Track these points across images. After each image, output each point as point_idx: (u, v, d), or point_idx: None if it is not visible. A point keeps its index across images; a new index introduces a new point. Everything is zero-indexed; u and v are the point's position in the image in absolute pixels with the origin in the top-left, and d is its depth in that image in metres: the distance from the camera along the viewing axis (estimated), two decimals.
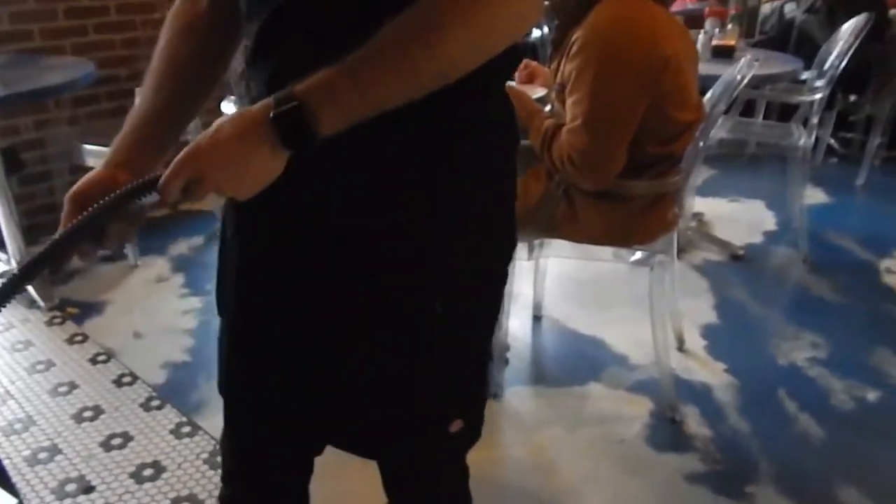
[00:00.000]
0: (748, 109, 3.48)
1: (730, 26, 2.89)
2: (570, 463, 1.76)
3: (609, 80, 1.58)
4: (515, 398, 1.99)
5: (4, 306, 0.67)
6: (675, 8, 4.28)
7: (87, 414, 1.88)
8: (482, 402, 0.95)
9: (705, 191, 3.53)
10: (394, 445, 0.91)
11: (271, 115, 0.64)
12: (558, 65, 1.69)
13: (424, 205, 0.77)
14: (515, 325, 2.34)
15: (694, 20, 3.64)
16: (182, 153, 0.67)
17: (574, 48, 1.59)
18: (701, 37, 2.80)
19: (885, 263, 2.83)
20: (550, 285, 2.52)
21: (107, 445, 1.77)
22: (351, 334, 0.83)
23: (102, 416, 1.87)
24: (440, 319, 0.81)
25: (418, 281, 0.79)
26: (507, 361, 2.11)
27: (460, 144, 0.78)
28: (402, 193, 0.77)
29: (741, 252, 2.88)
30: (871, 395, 2.01)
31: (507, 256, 0.89)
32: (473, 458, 1.72)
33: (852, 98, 3.86)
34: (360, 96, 0.65)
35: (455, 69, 0.67)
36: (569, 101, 1.63)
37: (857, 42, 2.76)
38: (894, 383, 2.06)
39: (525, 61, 2.10)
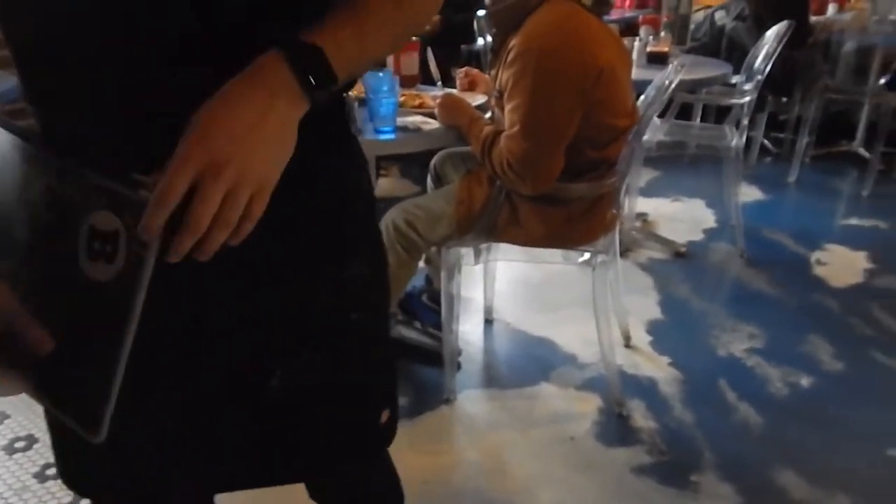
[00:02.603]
0: (687, 113, 3.61)
1: (663, 34, 3.01)
2: (522, 463, 1.79)
3: (545, 88, 1.63)
4: (468, 402, 2.02)
5: None
6: (613, 16, 4.42)
7: None
8: (396, 387, 0.99)
9: (649, 192, 3.65)
10: (333, 454, 0.89)
11: (289, 62, 0.59)
12: (497, 72, 1.74)
13: (322, 225, 0.78)
14: (467, 329, 2.38)
15: (631, 28, 3.77)
16: (187, 135, 0.55)
17: (511, 56, 1.64)
18: (636, 44, 2.90)
19: (815, 256, 2.97)
20: (501, 289, 2.57)
21: None
22: (274, 361, 0.79)
23: None
24: (357, 325, 0.83)
25: (333, 297, 0.80)
26: (459, 366, 2.14)
27: (332, 164, 0.78)
28: (298, 218, 0.74)
29: (683, 249, 2.98)
30: (805, 382, 2.11)
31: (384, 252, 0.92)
32: (427, 463, 1.77)
33: (783, 100, 4.04)
34: (359, 48, 0.65)
35: (424, 22, 0.76)
36: (507, 108, 1.68)
37: (781, 47, 2.89)
38: (825, 369, 2.17)
39: (465, 69, 2.15)
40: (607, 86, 1.67)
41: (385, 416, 0.91)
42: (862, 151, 4.02)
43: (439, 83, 2.29)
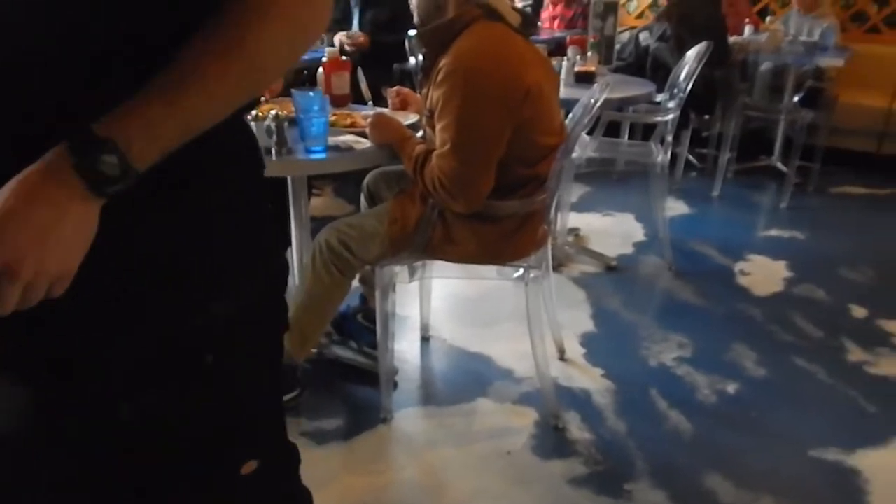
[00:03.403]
0: (615, 130, 3.72)
1: (590, 54, 3.09)
2: (460, 480, 1.80)
3: (474, 107, 1.65)
4: (405, 421, 2.01)
5: None
6: (542, 36, 4.52)
7: None
8: (279, 438, 0.92)
9: (580, 207, 3.74)
10: (184, 496, 0.83)
11: (78, 164, 0.57)
12: (427, 91, 1.75)
13: (172, 260, 0.72)
14: (403, 347, 2.37)
15: (560, 48, 3.87)
16: None
17: (440, 76, 1.66)
18: (565, 63, 2.98)
19: (739, 266, 3.09)
20: (437, 306, 2.57)
21: None
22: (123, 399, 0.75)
23: None
24: (212, 369, 0.76)
25: (190, 334, 0.74)
26: (395, 385, 2.13)
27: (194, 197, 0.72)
28: (143, 253, 0.70)
29: (614, 263, 3.06)
30: (731, 388, 2.18)
31: (278, 292, 0.85)
32: (365, 484, 1.75)
33: (705, 117, 4.21)
34: (173, 118, 0.61)
35: (266, 80, 0.68)
36: (437, 127, 1.70)
37: (701, 66, 3.02)
38: (749, 375, 2.26)
39: (397, 88, 2.17)
40: (535, 104, 1.71)
41: (249, 467, 0.83)
42: (780, 165, 4.22)
43: (370, 102, 2.30)
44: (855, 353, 2.39)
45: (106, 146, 0.58)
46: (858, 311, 2.68)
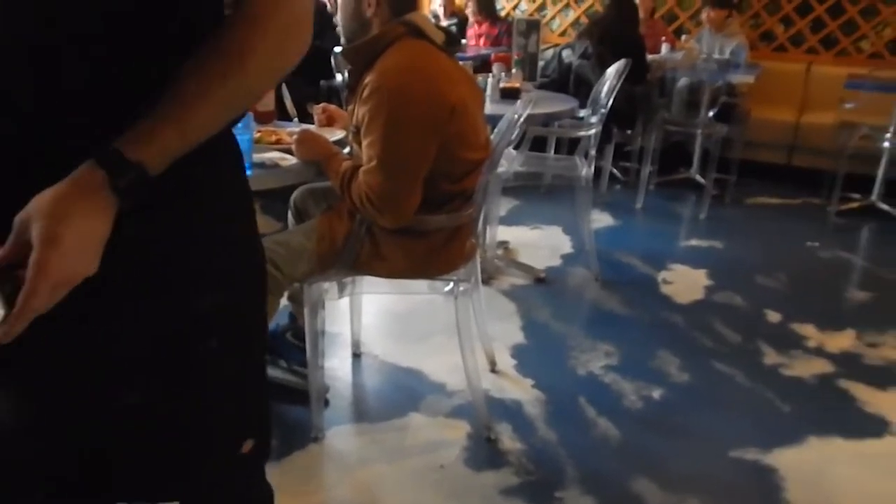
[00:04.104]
0: (542, 145, 3.80)
1: (514, 70, 3.17)
2: (393, 496, 1.78)
3: (399, 124, 1.66)
4: (337, 439, 1.99)
5: None
6: (469, 53, 4.60)
7: None
8: (268, 418, 1.00)
9: (509, 220, 3.80)
10: (191, 479, 0.91)
11: (115, 185, 0.66)
12: (353, 108, 1.76)
13: (178, 255, 0.80)
14: (335, 364, 2.35)
15: (485, 65, 3.94)
16: (42, 242, 0.63)
17: (366, 92, 1.67)
18: (490, 80, 3.03)
19: (662, 275, 3.20)
20: (368, 322, 2.56)
21: None
22: (132, 382, 0.82)
23: None
24: (217, 353, 0.84)
25: (188, 325, 0.81)
26: (327, 403, 2.10)
27: (194, 193, 0.80)
28: (152, 246, 0.78)
29: (543, 275, 3.12)
30: (656, 394, 2.25)
31: (262, 282, 0.93)
32: None
33: (627, 132, 4.36)
34: (182, 139, 0.69)
35: (258, 98, 0.77)
36: (363, 143, 1.70)
37: (621, 82, 3.13)
38: (673, 381, 2.33)
39: (323, 105, 2.16)
40: (460, 121, 1.73)
41: (248, 445, 0.91)
42: (698, 178, 4.40)
43: (295, 119, 2.28)
44: (770, 356, 2.51)
45: (136, 169, 0.67)
46: (773, 316, 2.82)
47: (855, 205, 4.07)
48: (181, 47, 0.71)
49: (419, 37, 1.73)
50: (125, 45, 0.70)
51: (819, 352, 2.55)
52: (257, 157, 1.79)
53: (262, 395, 0.97)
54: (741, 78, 4.19)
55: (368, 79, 1.67)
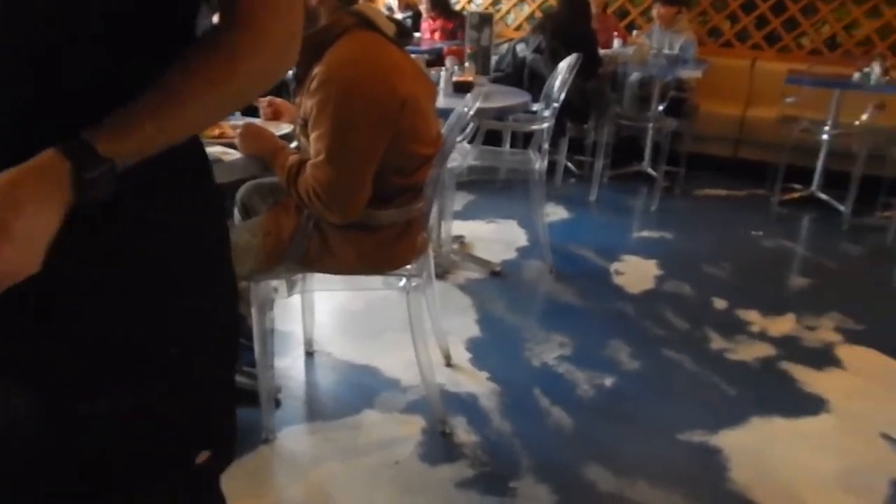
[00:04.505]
0: (498, 139, 3.82)
1: (467, 64, 3.17)
2: (348, 495, 1.77)
3: (348, 118, 1.64)
4: (289, 439, 1.96)
5: None
6: (423, 46, 4.59)
7: None
8: (230, 427, 0.96)
9: (465, 215, 3.81)
10: (141, 490, 0.87)
11: (79, 179, 0.62)
12: (301, 100, 1.73)
13: (141, 256, 0.76)
14: (287, 364, 2.32)
15: (440, 58, 3.93)
16: None
17: (314, 84, 1.63)
18: (443, 73, 3.03)
19: (614, 266, 3.25)
20: (322, 319, 2.54)
21: None
22: (84, 389, 0.78)
23: None
24: (176, 362, 0.81)
25: (151, 331, 0.79)
26: (278, 403, 2.07)
27: (155, 198, 0.77)
28: (113, 245, 0.75)
29: (498, 268, 3.13)
30: (608, 382, 2.29)
31: (232, 290, 0.89)
32: None
33: (582, 126, 4.41)
34: (159, 139, 0.67)
35: (243, 105, 0.75)
36: (312, 136, 1.67)
37: (573, 77, 3.16)
38: (624, 369, 2.37)
39: (269, 98, 2.12)
40: (411, 115, 1.72)
41: (203, 456, 0.88)
42: (650, 171, 4.48)
43: (238, 112, 2.24)
44: (717, 342, 2.57)
45: (106, 164, 0.63)
46: (719, 304, 2.89)
47: (796, 195, 4.19)
48: (181, 48, 0.69)
49: (370, 28, 1.71)
50: (125, 46, 0.68)
51: (762, 336, 2.62)
52: None
53: (226, 404, 0.93)
54: (690, 73, 4.28)
55: (317, 70, 1.64)
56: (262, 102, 2.09)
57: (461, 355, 2.42)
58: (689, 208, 4.23)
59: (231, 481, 1.78)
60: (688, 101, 4.49)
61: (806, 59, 4.86)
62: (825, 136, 4.02)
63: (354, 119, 1.65)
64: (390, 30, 1.76)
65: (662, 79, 4.25)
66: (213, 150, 1.77)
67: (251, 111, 2.15)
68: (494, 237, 3.56)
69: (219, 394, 0.92)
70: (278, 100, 2.12)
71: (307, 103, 1.67)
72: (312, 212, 1.73)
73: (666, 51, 4.52)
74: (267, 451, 1.91)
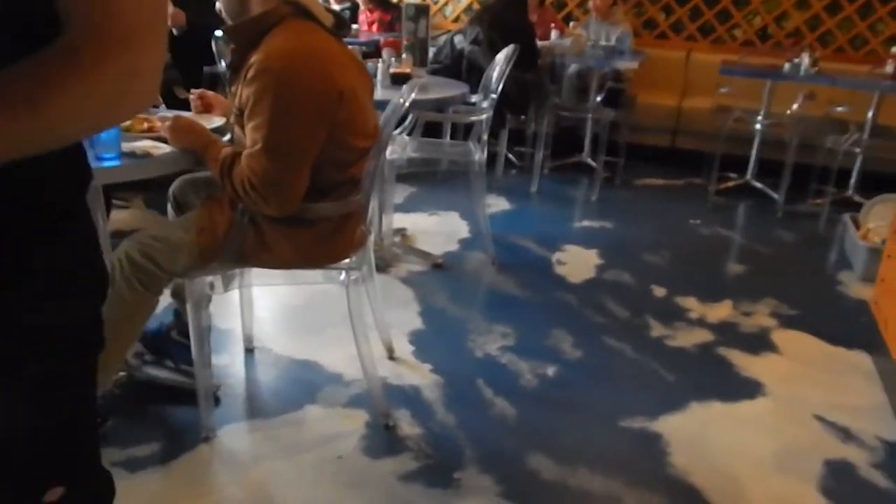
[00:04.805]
0: (438, 131, 3.81)
1: (404, 56, 3.14)
2: (290, 492, 1.74)
3: (286, 107, 1.60)
4: (228, 437, 1.92)
5: None
6: (361, 38, 4.53)
7: None
8: (92, 462, 0.87)
9: (407, 207, 3.79)
10: None
11: None
12: (237, 89, 1.68)
13: None
14: (226, 361, 2.27)
15: (377, 50, 3.89)
16: None
17: (251, 73, 1.59)
18: (380, 65, 3.00)
19: (556, 256, 3.29)
20: (262, 315, 2.49)
21: None
22: None
23: None
24: (33, 383, 0.73)
25: (7, 345, 0.70)
26: (217, 400, 2.02)
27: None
28: None
29: (440, 261, 3.13)
30: (551, 371, 2.31)
31: (97, 301, 0.82)
32: None
33: (521, 117, 4.43)
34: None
35: (60, 142, 0.64)
36: (248, 126, 1.63)
37: (510, 68, 3.17)
38: (566, 358, 2.40)
39: (200, 91, 2.06)
40: (349, 107, 1.69)
41: (54, 493, 0.78)
42: (590, 161, 4.55)
43: (162, 106, 2.17)
44: (656, 329, 2.63)
45: None
46: (659, 291, 2.95)
47: (731, 184, 4.32)
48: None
49: (306, 18, 1.68)
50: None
51: (700, 322, 2.70)
52: (127, 146, 1.68)
53: (87, 434, 0.84)
54: (626, 64, 4.35)
55: (254, 59, 1.60)
56: (193, 95, 2.03)
57: (404, 348, 2.41)
58: (628, 198, 4.31)
59: (168, 481, 1.76)
60: (625, 91, 4.58)
61: (739, 50, 5.00)
62: (758, 126, 4.15)
63: (292, 109, 1.61)
64: (328, 20, 1.72)
65: (600, 70, 4.31)
66: (142, 144, 1.71)
67: (178, 104, 2.08)
68: (436, 229, 3.56)
69: (77, 422, 0.83)
70: (210, 93, 2.06)
71: (244, 92, 1.62)
72: (247, 204, 1.68)
73: (603, 42, 4.58)
74: (206, 449, 1.86)
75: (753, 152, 4.26)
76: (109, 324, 1.80)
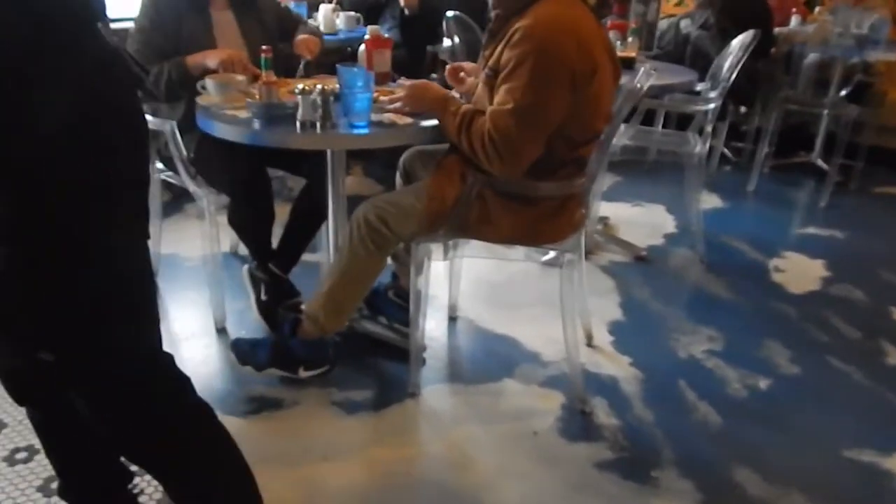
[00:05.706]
0: (649, 119, 3.66)
1: (630, 39, 3.04)
2: (486, 457, 1.80)
3: (544, 75, 1.63)
4: (432, 397, 2.02)
5: None
6: None
7: None
8: (76, 338, 0.99)
9: (610, 196, 3.70)
10: None
11: None
12: (492, 52, 1.74)
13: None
14: (432, 325, 2.38)
15: None
16: None
17: (516, 37, 1.64)
18: None
19: (773, 263, 3.04)
20: (465, 287, 2.57)
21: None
22: None
23: None
24: (52, 365, 0.88)
25: (19, 338, 0.87)
26: (423, 361, 2.13)
27: None
28: None
29: (644, 253, 3.03)
30: (763, 384, 2.16)
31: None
32: (391, 455, 1.76)
33: (743, 110, 4.13)
34: None
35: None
36: (502, 87, 1.67)
37: (745, 56, 2.96)
38: (782, 373, 2.22)
39: (456, 65, 2.12)
40: (598, 85, 1.70)
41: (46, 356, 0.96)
42: (820, 163, 4.13)
43: (402, 79, 2.28)
44: (894, 357, 2.35)
45: None
46: None
47: None
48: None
49: None
50: None
51: None
52: (374, 116, 1.80)
53: (72, 314, 0.95)
54: (880, 56, 3.87)
55: (519, 24, 1.65)
56: (448, 69, 2.11)
57: (603, 337, 2.37)
58: (864, 206, 3.86)
59: (378, 427, 1.89)
60: (874, 87, 4.07)
61: None
62: None
63: (551, 77, 1.64)
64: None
65: (846, 61, 3.87)
66: (389, 115, 1.83)
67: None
68: (640, 221, 3.44)
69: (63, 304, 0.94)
70: (469, 64, 2.12)
71: (505, 55, 1.67)
72: (480, 159, 1.71)
73: (853, 30, 4.10)
74: (412, 404, 1.97)
75: None
76: (345, 277, 1.97)
